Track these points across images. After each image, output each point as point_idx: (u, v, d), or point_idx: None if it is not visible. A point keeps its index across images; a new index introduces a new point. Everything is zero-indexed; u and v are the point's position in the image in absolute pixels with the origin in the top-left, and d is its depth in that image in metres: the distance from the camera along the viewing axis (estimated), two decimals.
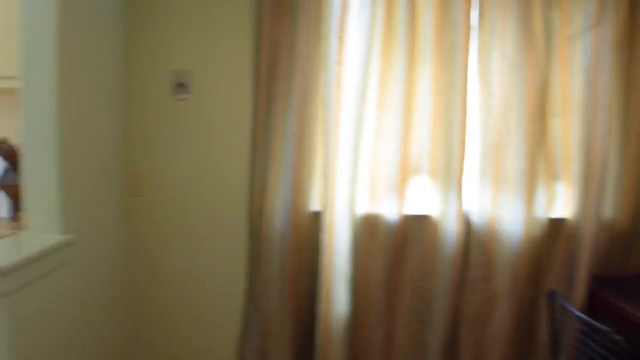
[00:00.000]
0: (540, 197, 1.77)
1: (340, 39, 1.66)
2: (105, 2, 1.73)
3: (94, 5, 1.65)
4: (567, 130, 1.77)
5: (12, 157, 1.68)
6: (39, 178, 1.50)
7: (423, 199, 1.77)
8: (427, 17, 1.69)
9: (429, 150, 1.73)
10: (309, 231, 1.77)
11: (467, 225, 1.77)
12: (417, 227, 1.78)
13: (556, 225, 1.82)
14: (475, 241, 1.77)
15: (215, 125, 1.83)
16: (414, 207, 1.78)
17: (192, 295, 1.94)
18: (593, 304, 1.72)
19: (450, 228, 1.74)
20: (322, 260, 1.70)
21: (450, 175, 1.72)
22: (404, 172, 1.73)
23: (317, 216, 1.76)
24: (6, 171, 1.71)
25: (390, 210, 1.74)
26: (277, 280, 1.78)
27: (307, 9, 1.70)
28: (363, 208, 1.76)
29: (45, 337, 1.44)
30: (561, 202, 1.82)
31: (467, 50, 1.69)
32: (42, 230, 1.53)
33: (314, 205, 1.79)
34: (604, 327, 1.31)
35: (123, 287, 1.94)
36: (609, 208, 1.83)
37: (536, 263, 1.78)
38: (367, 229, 1.75)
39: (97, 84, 1.69)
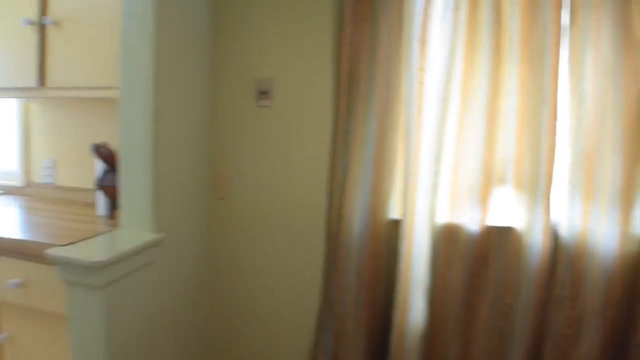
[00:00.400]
0: (639, 211, 1.62)
1: (423, 43, 1.63)
2: (194, 16, 1.83)
3: (185, 20, 1.75)
4: None
5: (111, 160, 1.82)
6: (134, 180, 1.62)
7: (507, 209, 1.68)
8: (513, 18, 1.60)
9: (515, 158, 1.64)
10: (387, 239, 1.75)
11: (555, 239, 1.66)
12: (499, 239, 1.69)
13: None
14: (563, 257, 1.65)
15: (295, 131, 1.87)
16: (497, 218, 1.70)
17: (269, 296, 1.99)
18: None
19: (536, 242, 1.63)
20: (399, 268, 1.67)
21: (537, 184, 1.61)
22: (488, 181, 1.65)
23: (395, 224, 1.74)
24: (105, 173, 1.85)
25: (472, 220, 1.68)
26: (353, 286, 1.78)
27: (389, 15, 1.69)
28: (443, 217, 1.71)
29: (133, 326, 1.55)
30: None
31: (557, 50, 1.58)
32: (135, 228, 1.64)
33: (393, 212, 1.77)
34: None
35: (203, 285, 2.04)
36: None
37: (631, 284, 1.63)
38: (447, 239, 1.70)
39: (186, 93, 1.80)
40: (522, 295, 1.66)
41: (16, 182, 2.52)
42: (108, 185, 1.82)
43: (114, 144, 1.91)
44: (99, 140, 2.20)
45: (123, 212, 1.66)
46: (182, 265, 1.85)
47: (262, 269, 1.98)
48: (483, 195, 1.66)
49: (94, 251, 1.43)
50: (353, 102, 1.74)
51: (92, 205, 2.19)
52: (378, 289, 1.78)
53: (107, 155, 1.82)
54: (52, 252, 1.40)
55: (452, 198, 1.70)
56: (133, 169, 1.61)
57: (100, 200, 1.94)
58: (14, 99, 2.44)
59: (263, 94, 1.90)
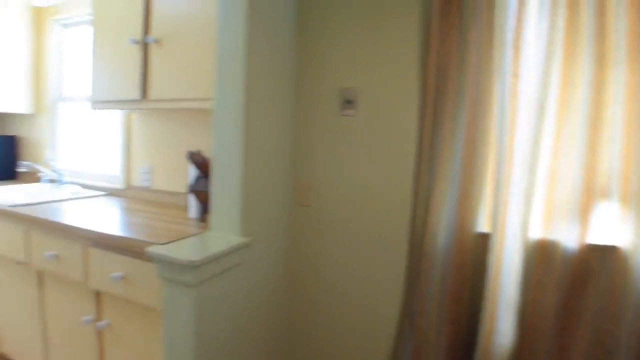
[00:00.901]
0: None
1: (516, 49, 1.55)
2: (282, 29, 1.89)
3: (273, 35, 1.82)
4: None
5: (204, 166, 1.92)
6: (225, 186, 1.69)
7: (610, 226, 1.55)
8: (620, 18, 1.47)
9: (621, 171, 1.49)
10: (474, 253, 1.68)
11: None
12: (601, 258, 1.55)
13: None
14: None
15: (379, 141, 1.86)
16: (598, 235, 1.56)
17: (348, 305, 1.98)
18: None
19: None
20: (487, 285, 1.59)
21: None
22: (588, 195, 1.53)
23: (484, 237, 1.66)
24: (197, 178, 1.96)
25: (569, 237, 1.56)
26: (436, 300, 1.72)
27: (479, 21, 1.63)
28: (537, 232, 1.61)
29: (218, 324, 1.61)
30: None
31: None
32: (224, 231, 1.72)
33: (482, 225, 1.69)
34: None
35: (285, 290, 2.08)
36: None
37: None
38: (541, 256, 1.59)
39: (274, 103, 1.86)
40: (626, 322, 1.51)
41: (118, 185, 2.75)
42: (200, 190, 1.92)
43: (207, 152, 2.02)
44: (192, 148, 2.34)
45: (214, 215, 1.74)
46: (266, 268, 1.90)
47: (342, 276, 1.99)
48: (583, 210, 1.54)
49: (188, 251, 1.51)
50: (440, 111, 1.70)
51: (183, 208, 2.33)
52: (462, 304, 1.71)
53: (201, 162, 1.92)
54: (151, 250, 1.51)
55: (547, 212, 1.59)
56: (224, 176, 1.69)
57: (192, 204, 2.06)
58: (119, 110, 2.67)
59: (348, 103, 1.91)
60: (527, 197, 1.57)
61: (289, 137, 2.00)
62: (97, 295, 1.92)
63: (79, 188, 2.86)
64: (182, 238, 1.69)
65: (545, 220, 1.59)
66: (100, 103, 2.32)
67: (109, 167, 2.86)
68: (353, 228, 1.95)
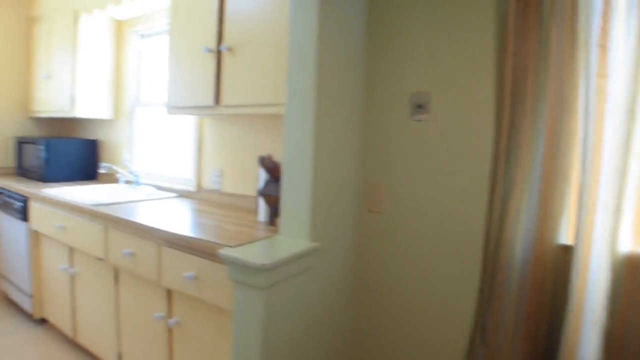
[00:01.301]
0: None
1: (603, 49, 1.45)
2: (351, 34, 1.89)
3: (343, 40, 1.82)
4: None
5: (274, 171, 1.95)
6: (296, 191, 1.71)
7: None
8: None
9: None
10: (555, 266, 1.58)
11: None
12: None
13: None
14: None
15: (452, 146, 1.80)
16: None
17: (416, 316, 1.93)
18: None
19: None
20: (570, 302, 1.49)
21: None
22: None
23: (566, 250, 1.56)
24: (267, 182, 1.99)
25: None
26: (511, 316, 1.64)
27: (560, 20, 1.53)
28: (627, 245, 1.48)
29: (285, 327, 1.62)
30: None
31: None
32: (293, 236, 1.73)
33: (564, 237, 1.59)
34: None
35: (353, 297, 2.06)
36: None
37: None
38: (632, 272, 1.46)
39: (343, 107, 1.86)
40: None
41: (189, 187, 2.85)
42: (269, 194, 1.95)
43: (278, 156, 2.05)
44: (262, 152, 2.39)
45: (283, 220, 1.76)
46: (334, 274, 1.89)
47: (411, 285, 1.94)
48: None
49: (259, 254, 1.53)
50: (517, 115, 1.62)
51: (252, 211, 2.38)
52: (540, 322, 1.61)
53: (271, 167, 1.95)
54: (223, 252, 1.54)
55: (638, 223, 1.47)
56: (294, 181, 1.71)
57: (262, 207, 2.09)
58: (193, 116, 2.78)
59: (419, 107, 1.88)
60: (616, 206, 1.45)
61: (358, 142, 1.99)
62: (169, 293, 1.99)
63: (152, 189, 3.00)
64: (252, 241, 1.71)
65: (637, 231, 1.47)
66: (175, 109, 2.42)
67: (182, 169, 2.98)
68: (424, 236, 1.90)
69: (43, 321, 3.13)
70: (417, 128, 1.89)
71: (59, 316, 2.89)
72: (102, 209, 2.28)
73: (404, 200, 1.93)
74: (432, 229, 1.87)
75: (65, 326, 2.82)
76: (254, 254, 1.54)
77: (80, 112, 3.21)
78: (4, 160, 3.73)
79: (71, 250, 2.63)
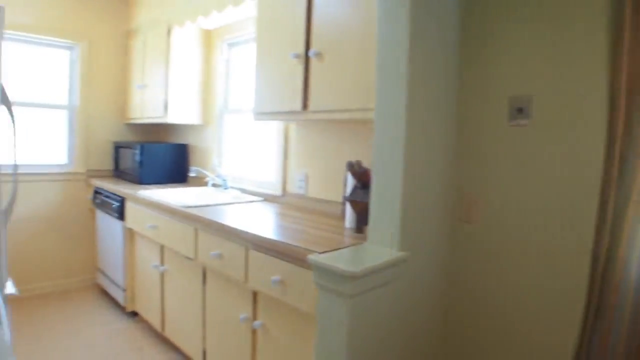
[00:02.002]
0: None
1: None
2: (444, 35, 1.82)
3: (434, 41, 1.75)
4: None
5: (362, 177, 1.92)
6: (384, 198, 1.66)
7: None
8: None
9: None
10: None
11: None
12: None
13: None
14: None
15: (556, 154, 1.67)
16: None
17: (511, 336, 1.80)
18: None
19: None
20: None
21: None
22: None
23: None
24: (355, 188, 1.96)
25: None
26: (622, 343, 1.48)
27: None
28: None
29: (370, 338, 1.57)
30: None
31: None
32: (381, 244, 1.69)
33: None
34: None
35: (441, 311, 1.97)
36: None
37: None
38: None
39: (435, 111, 1.79)
40: None
41: (275, 191, 2.89)
42: (357, 200, 1.92)
43: (366, 163, 2.02)
44: (348, 158, 2.37)
45: (371, 227, 1.72)
46: (422, 286, 1.82)
47: (506, 304, 1.81)
48: None
49: (347, 261, 1.51)
50: (635, 120, 1.46)
51: (337, 217, 2.36)
52: None
53: (360, 173, 1.92)
54: (312, 257, 1.53)
55: None
56: (384, 187, 1.67)
57: (348, 214, 2.06)
58: (279, 121, 2.82)
59: (518, 111, 1.76)
60: None
61: (450, 149, 1.90)
62: (254, 295, 2.02)
63: (239, 193, 3.08)
64: (339, 248, 1.69)
65: None
66: (262, 115, 2.47)
67: (268, 174, 3.04)
68: (520, 249, 1.77)
69: (134, 314, 3.32)
70: (516, 134, 1.77)
71: (148, 310, 3.05)
72: (193, 211, 2.37)
73: (500, 211, 1.82)
74: (530, 241, 1.74)
75: (154, 320, 2.97)
76: (342, 260, 1.51)
77: (172, 118, 3.38)
78: (103, 163, 4.02)
79: (162, 248, 2.77)
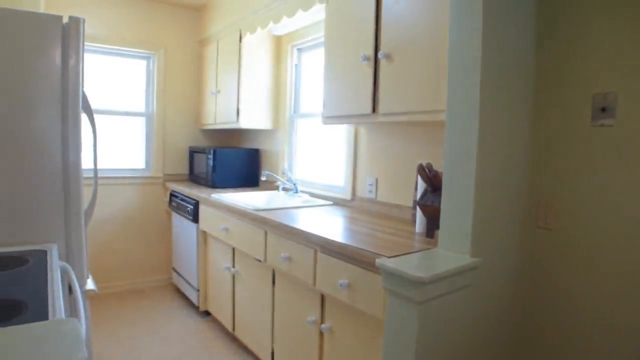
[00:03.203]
0: None
1: None
2: (519, 31, 1.73)
3: (509, 38, 1.67)
4: None
5: (433, 180, 1.86)
6: (456, 202, 1.60)
7: None
8: None
9: None
10: None
11: None
12: None
13: None
14: None
15: None
16: None
17: (593, 346, 1.66)
18: None
19: None
20: None
21: None
22: None
23: None
24: (425, 192, 1.91)
25: None
26: None
27: None
28: None
29: (439, 345, 1.52)
30: None
31: None
32: (452, 250, 1.62)
33: None
34: None
35: (515, 321, 1.87)
36: None
37: None
38: None
39: (510, 111, 1.70)
40: None
41: (344, 195, 2.88)
42: (428, 205, 1.86)
43: (437, 166, 1.96)
44: (418, 161, 2.32)
45: (442, 232, 1.66)
46: (494, 294, 1.73)
47: (588, 319, 1.68)
48: None
49: (416, 267, 1.46)
50: None
51: (408, 221, 2.31)
52: None
53: (430, 176, 1.87)
54: (380, 261, 1.50)
55: None
56: (456, 191, 1.60)
57: (418, 218, 2.01)
58: (348, 125, 2.82)
59: (602, 111, 1.63)
60: None
61: (525, 150, 1.80)
62: (322, 298, 2.02)
63: (308, 197, 3.11)
64: (408, 253, 1.65)
65: None
66: (331, 118, 2.47)
67: (337, 178, 3.04)
68: (608, 258, 1.63)
69: (207, 314, 3.43)
70: (600, 134, 1.64)
71: (220, 310, 3.14)
72: (263, 214, 2.41)
73: (582, 216, 1.69)
74: (617, 250, 1.60)
75: (225, 320, 3.05)
76: (411, 266, 1.47)
77: (243, 123, 3.48)
78: (179, 167, 4.22)
79: (233, 250, 2.84)
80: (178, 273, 3.88)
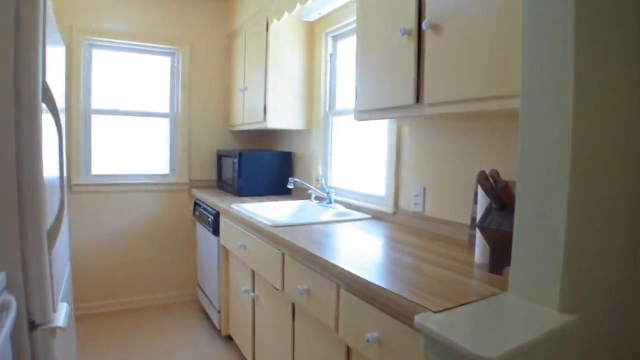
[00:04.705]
0: None
1: None
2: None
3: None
4: None
5: (501, 194, 1.33)
6: (538, 227, 1.07)
7: None
8: None
9: None
10: None
11: None
12: None
13: None
14: None
15: None
16: None
17: None
18: None
19: None
20: None
21: None
22: None
23: None
24: (489, 210, 1.38)
25: None
26: None
27: None
28: None
29: None
30: None
31: None
32: (530, 298, 1.09)
33: None
34: None
35: None
36: None
37: None
38: None
39: (614, 100, 1.14)
40: None
41: (385, 207, 2.38)
42: (491, 228, 1.33)
43: (506, 174, 1.43)
44: (478, 166, 1.78)
45: (515, 270, 1.13)
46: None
47: None
48: None
49: (478, 334, 0.95)
50: None
51: (462, 245, 1.78)
52: None
53: (497, 188, 1.33)
54: (422, 321, 0.99)
55: None
56: (537, 211, 1.07)
57: (479, 244, 1.48)
58: (388, 121, 2.31)
59: None
60: None
61: (636, 166, 1.23)
62: (347, 351, 1.53)
63: (343, 208, 2.62)
64: (465, 302, 1.13)
65: None
66: (364, 113, 1.98)
67: (377, 186, 2.54)
68: None
69: (229, 338, 3.02)
70: None
71: (240, 337, 2.72)
72: (280, 232, 1.96)
73: None
74: None
75: (245, 348, 2.63)
76: (470, 331, 0.96)
77: (271, 123, 3.04)
78: (206, 172, 3.85)
79: (253, 272, 2.41)
80: (202, 290, 3.50)
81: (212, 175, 3.87)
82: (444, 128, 2.01)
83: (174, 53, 3.68)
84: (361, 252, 1.64)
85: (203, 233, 3.35)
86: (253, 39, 3.23)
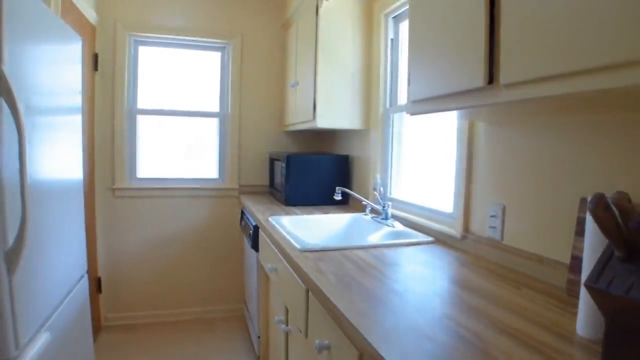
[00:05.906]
0: None
1: None
2: None
3: None
4: None
5: (631, 237, 0.77)
6: None
7: None
8: None
9: None
10: None
11: None
12: None
13: None
14: None
15: None
16: None
17: None
18: None
19: None
20: None
21: None
22: None
23: None
24: (608, 257, 0.80)
25: None
26: None
27: None
28: None
29: None
30: None
31: None
32: None
33: None
34: None
35: None
36: None
37: None
38: None
39: None
40: None
41: (451, 228, 1.84)
42: (608, 292, 0.77)
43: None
44: (586, 184, 1.22)
45: None
46: None
47: None
48: None
49: None
50: None
51: (554, 293, 1.21)
52: None
53: (624, 226, 0.77)
54: None
55: None
56: None
57: (583, 306, 0.92)
58: (456, 115, 1.77)
59: None
60: None
61: None
62: None
63: (401, 226, 2.11)
64: None
65: None
66: (419, 104, 1.47)
67: (442, 200, 2.01)
68: None
69: None
70: None
71: None
72: (308, 258, 1.51)
73: None
74: None
75: None
76: None
77: (321, 122, 2.60)
78: (258, 177, 3.50)
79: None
80: (247, 307, 3.14)
81: (265, 180, 3.51)
82: (534, 123, 1.44)
83: (224, 47, 3.37)
84: (405, 306, 1.14)
85: (247, 246, 2.99)
86: (304, 25, 2.81)
